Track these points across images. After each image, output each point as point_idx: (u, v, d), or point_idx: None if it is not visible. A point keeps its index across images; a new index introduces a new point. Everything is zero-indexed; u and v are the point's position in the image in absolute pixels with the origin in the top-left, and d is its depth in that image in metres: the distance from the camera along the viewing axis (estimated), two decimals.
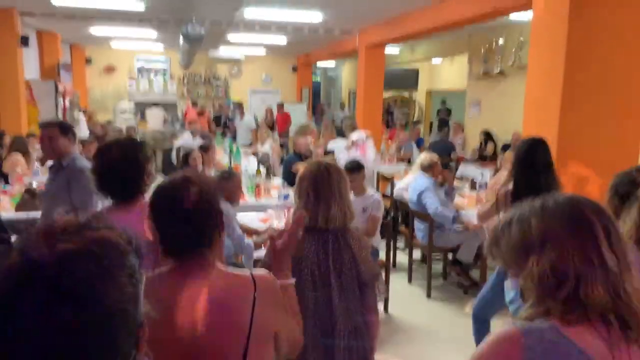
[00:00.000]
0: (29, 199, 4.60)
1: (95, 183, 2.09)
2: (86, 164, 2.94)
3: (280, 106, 12.72)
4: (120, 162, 2.07)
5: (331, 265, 2.04)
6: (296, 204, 2.17)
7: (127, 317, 0.73)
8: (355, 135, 7.34)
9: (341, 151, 7.14)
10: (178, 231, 1.38)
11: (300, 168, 2.22)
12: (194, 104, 13.27)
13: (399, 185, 5.67)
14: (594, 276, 1.02)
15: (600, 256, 1.03)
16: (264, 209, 4.60)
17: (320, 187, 2.08)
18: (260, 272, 1.46)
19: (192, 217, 1.39)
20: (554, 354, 0.99)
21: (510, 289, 1.12)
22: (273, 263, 1.61)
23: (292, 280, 1.63)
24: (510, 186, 3.20)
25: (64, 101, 9.48)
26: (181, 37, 8.26)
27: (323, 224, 2.06)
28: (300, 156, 6.22)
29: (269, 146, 8.21)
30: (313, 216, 2.05)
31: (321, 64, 15.72)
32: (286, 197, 4.64)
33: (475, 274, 5.01)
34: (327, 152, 6.16)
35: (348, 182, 2.20)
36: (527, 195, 2.54)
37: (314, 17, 8.10)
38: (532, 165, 3.13)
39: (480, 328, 3.32)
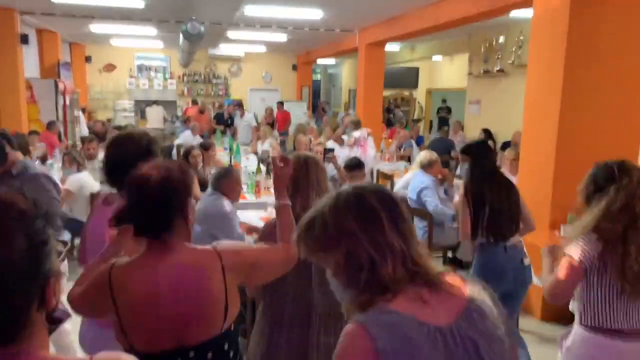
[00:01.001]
0: None
1: (105, 173, 2.06)
2: (39, 170, 2.91)
3: (281, 105, 12.73)
4: (134, 153, 1.99)
5: None
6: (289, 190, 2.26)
7: (17, 271, 0.80)
8: (357, 133, 7.35)
9: (340, 150, 7.15)
10: (142, 214, 1.51)
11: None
12: (194, 102, 13.27)
13: (399, 183, 5.68)
14: (384, 258, 1.13)
15: (386, 240, 1.14)
16: (264, 207, 4.61)
17: (299, 178, 2.18)
18: (222, 246, 1.64)
19: (152, 202, 1.50)
20: (396, 329, 1.08)
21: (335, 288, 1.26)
22: (274, 185, 1.90)
23: (288, 202, 1.87)
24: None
25: (64, 99, 9.47)
26: (181, 35, 8.26)
27: (302, 213, 2.08)
28: None
29: (269, 144, 8.21)
30: (292, 206, 2.10)
31: (321, 62, 15.70)
32: None
33: None
34: (327, 150, 6.16)
35: (326, 173, 2.32)
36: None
37: (314, 15, 8.09)
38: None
39: None
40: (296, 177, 2.17)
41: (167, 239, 1.53)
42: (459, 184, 5.92)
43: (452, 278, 1.19)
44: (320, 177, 2.24)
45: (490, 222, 3.14)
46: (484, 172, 3.27)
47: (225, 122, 11.71)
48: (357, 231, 1.15)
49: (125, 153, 2.00)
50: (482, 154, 3.35)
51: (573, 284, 2.07)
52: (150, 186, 1.50)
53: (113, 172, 2.03)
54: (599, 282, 2.05)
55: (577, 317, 2.15)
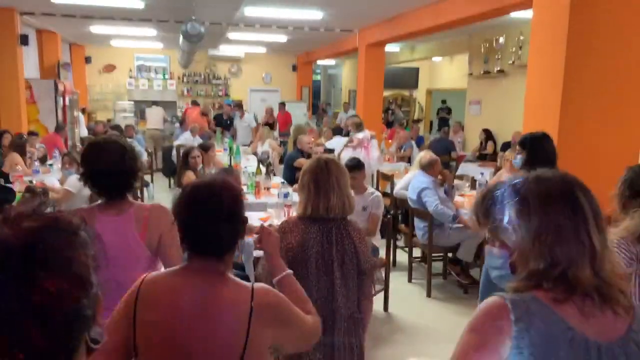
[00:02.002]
0: (29, 197, 4.60)
1: (85, 180, 2.04)
2: None
3: (282, 105, 12.72)
4: (114, 160, 1.99)
5: (334, 254, 2.20)
6: (299, 198, 2.34)
7: (87, 284, 0.77)
8: (361, 135, 7.34)
9: (341, 149, 7.15)
10: (207, 231, 1.39)
11: (304, 163, 2.41)
12: (194, 102, 13.27)
13: (399, 184, 5.67)
14: (584, 259, 1.08)
15: (589, 239, 1.08)
16: (264, 208, 4.60)
17: (320, 180, 2.24)
18: (261, 285, 1.44)
19: (224, 221, 1.40)
20: (541, 323, 1.06)
21: (497, 255, 1.14)
22: (266, 262, 1.71)
23: (289, 271, 1.67)
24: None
25: (63, 100, 9.47)
26: (181, 36, 8.26)
27: (324, 213, 2.22)
28: (302, 153, 6.31)
29: (268, 145, 8.21)
30: (314, 207, 2.23)
31: (321, 62, 15.70)
32: (286, 195, 4.63)
33: (475, 272, 5.01)
34: (326, 151, 6.17)
35: (347, 175, 2.35)
36: None
37: (314, 15, 8.09)
38: (546, 159, 3.14)
39: None
40: (317, 178, 2.25)
41: (215, 262, 1.41)
42: (458, 184, 5.93)
43: (627, 296, 1.13)
44: (341, 178, 2.28)
45: None
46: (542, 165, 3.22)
47: (224, 124, 11.65)
48: (562, 223, 1.09)
49: (106, 159, 1.99)
50: (539, 146, 3.27)
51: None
52: (222, 207, 1.40)
53: (93, 179, 2.03)
54: (637, 281, 2.08)
55: None
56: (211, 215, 1.38)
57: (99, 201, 2.07)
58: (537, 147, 3.24)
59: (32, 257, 0.71)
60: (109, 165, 1.98)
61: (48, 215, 0.79)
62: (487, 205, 1.20)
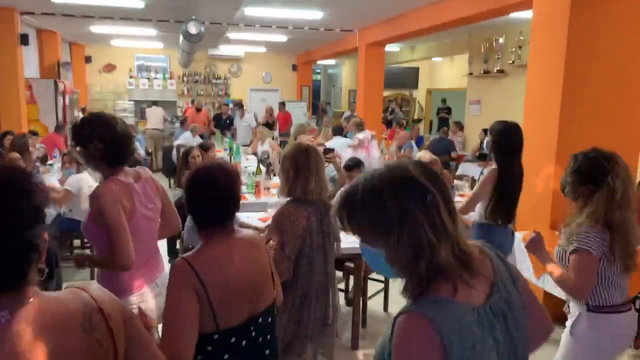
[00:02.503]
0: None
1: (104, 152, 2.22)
2: None
3: (282, 105, 12.71)
4: (122, 133, 2.27)
5: (324, 233, 2.55)
6: (280, 181, 2.58)
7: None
8: (361, 135, 7.33)
9: (342, 149, 7.13)
10: (214, 207, 1.74)
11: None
12: (194, 102, 13.25)
13: None
14: (441, 243, 1.08)
15: (443, 223, 1.09)
16: (264, 208, 4.60)
17: (300, 164, 2.48)
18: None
19: (225, 195, 1.76)
20: (452, 315, 1.06)
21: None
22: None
23: None
24: (490, 173, 3.46)
25: (64, 100, 9.47)
26: (181, 35, 8.26)
27: (302, 196, 2.48)
28: None
29: (268, 144, 8.20)
30: (292, 189, 2.49)
31: (321, 62, 15.71)
32: None
33: None
34: (326, 150, 6.14)
35: (324, 162, 2.65)
36: (512, 182, 2.99)
37: (314, 15, 8.09)
38: (512, 150, 3.44)
39: None
40: (297, 162, 2.47)
41: (229, 225, 1.78)
42: (458, 184, 5.93)
43: (478, 253, 1.18)
44: (320, 165, 2.54)
45: (509, 203, 3.46)
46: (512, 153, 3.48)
47: (224, 124, 11.59)
48: (417, 213, 1.08)
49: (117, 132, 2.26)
50: (506, 134, 3.48)
51: (595, 276, 2.18)
52: (222, 183, 1.74)
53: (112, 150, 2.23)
54: (606, 267, 2.19)
55: (580, 305, 2.25)
56: (227, 192, 1.76)
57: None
58: (503, 134, 3.46)
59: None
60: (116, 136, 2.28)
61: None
62: (347, 209, 1.17)
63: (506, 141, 3.44)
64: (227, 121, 11.66)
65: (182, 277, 1.61)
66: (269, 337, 1.82)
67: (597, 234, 2.15)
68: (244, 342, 1.70)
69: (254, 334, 1.74)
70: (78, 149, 2.27)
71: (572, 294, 2.24)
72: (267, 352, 1.81)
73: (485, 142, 3.66)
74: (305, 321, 2.46)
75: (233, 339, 1.68)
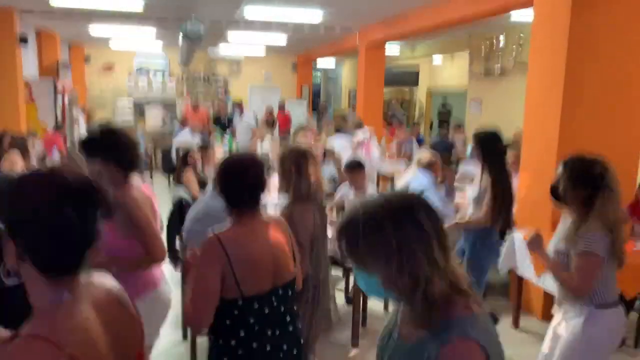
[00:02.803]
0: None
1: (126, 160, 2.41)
2: None
3: (282, 105, 12.70)
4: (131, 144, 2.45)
5: (323, 226, 2.88)
6: (281, 183, 2.76)
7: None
8: (360, 134, 7.33)
9: (343, 149, 7.12)
10: (253, 191, 2.03)
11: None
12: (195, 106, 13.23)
13: (400, 183, 5.65)
14: (435, 275, 1.14)
15: (434, 257, 1.14)
16: (263, 208, 4.58)
17: (301, 165, 2.69)
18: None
19: (257, 184, 2.04)
20: (488, 330, 1.17)
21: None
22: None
23: None
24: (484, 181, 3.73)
25: (62, 100, 9.46)
26: (180, 36, 8.24)
27: (306, 194, 2.70)
28: None
29: (268, 144, 8.20)
30: (297, 188, 2.68)
31: (321, 64, 15.69)
32: None
33: None
34: (327, 151, 6.14)
35: (319, 165, 2.92)
36: (504, 185, 3.40)
37: (314, 15, 8.08)
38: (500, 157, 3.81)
39: None
40: (298, 162, 2.68)
41: (257, 207, 2.05)
42: (459, 184, 5.91)
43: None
44: (318, 166, 2.79)
45: (508, 209, 3.80)
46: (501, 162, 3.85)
47: (223, 123, 11.55)
48: (415, 246, 1.13)
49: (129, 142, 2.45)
50: (491, 144, 3.89)
51: (597, 276, 2.28)
52: (252, 171, 2.01)
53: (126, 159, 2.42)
54: (608, 266, 2.31)
55: (586, 303, 2.32)
56: (256, 179, 2.02)
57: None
58: (489, 144, 3.82)
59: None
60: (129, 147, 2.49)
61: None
62: (347, 237, 1.21)
63: (493, 149, 3.75)
64: (227, 120, 11.63)
65: (212, 252, 1.89)
66: (289, 307, 2.07)
67: (605, 237, 2.24)
68: (266, 310, 1.96)
69: (275, 303, 1.98)
70: (91, 160, 2.37)
71: (575, 293, 2.31)
72: (287, 319, 2.06)
73: (469, 149, 3.87)
74: (319, 311, 2.79)
75: (256, 306, 1.93)
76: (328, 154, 6.01)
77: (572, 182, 2.32)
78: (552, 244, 2.47)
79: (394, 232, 1.13)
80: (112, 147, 2.35)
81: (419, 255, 1.13)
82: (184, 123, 10.36)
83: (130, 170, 2.42)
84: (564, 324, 2.40)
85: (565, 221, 2.44)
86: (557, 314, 2.47)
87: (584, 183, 2.29)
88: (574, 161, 2.36)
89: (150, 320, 1.96)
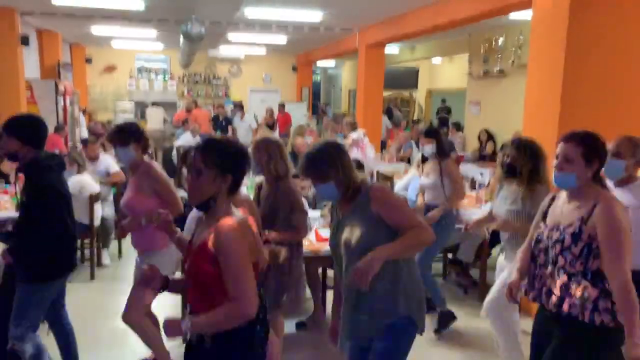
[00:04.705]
0: None
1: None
2: None
3: (282, 106, 12.71)
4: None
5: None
6: (263, 164, 3.09)
7: None
8: (355, 135, 7.35)
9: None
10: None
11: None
12: (195, 103, 13.21)
13: (399, 184, 5.67)
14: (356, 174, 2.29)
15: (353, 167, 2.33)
16: None
17: (279, 150, 3.16)
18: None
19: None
20: None
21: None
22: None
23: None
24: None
25: (64, 100, 9.47)
26: (181, 36, 8.26)
27: (285, 172, 3.15)
28: (296, 156, 6.22)
29: None
30: (282, 167, 3.11)
31: (321, 63, 15.72)
32: None
33: (475, 273, 5.02)
34: None
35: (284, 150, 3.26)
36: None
37: (314, 15, 8.10)
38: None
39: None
40: (274, 148, 3.09)
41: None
42: None
43: None
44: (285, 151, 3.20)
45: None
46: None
47: (220, 125, 11.46)
48: (346, 161, 2.19)
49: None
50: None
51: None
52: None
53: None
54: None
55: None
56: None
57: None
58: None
59: None
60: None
61: None
62: (313, 166, 2.25)
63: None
64: (224, 122, 11.59)
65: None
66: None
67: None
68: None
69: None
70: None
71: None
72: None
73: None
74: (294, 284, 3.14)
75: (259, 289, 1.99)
76: None
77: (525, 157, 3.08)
78: (500, 207, 3.20)
79: (340, 156, 2.18)
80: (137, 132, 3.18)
81: (347, 165, 2.17)
82: (184, 124, 10.36)
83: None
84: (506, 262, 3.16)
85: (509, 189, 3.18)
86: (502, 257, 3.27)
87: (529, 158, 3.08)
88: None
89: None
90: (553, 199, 2.33)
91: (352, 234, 2.13)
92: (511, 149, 3.13)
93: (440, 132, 4.39)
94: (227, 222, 1.78)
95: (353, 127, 7.54)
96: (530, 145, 3.13)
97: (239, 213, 1.89)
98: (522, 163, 3.06)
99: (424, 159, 4.32)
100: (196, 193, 1.85)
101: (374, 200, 2.10)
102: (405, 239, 2.06)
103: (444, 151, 4.19)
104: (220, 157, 1.83)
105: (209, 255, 1.78)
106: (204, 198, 1.84)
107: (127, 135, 3.12)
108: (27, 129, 2.77)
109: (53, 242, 2.73)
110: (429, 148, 4.13)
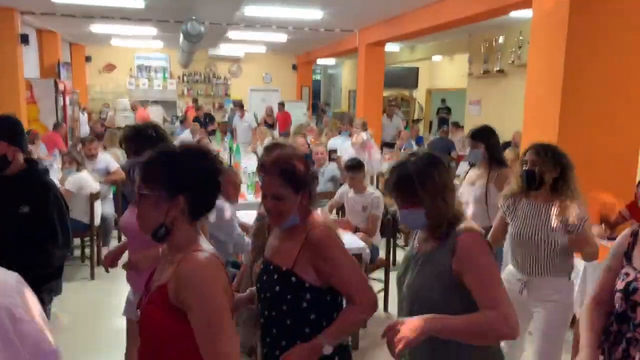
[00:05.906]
0: None
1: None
2: None
3: (281, 105, 12.71)
4: None
5: None
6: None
7: None
8: (364, 135, 7.34)
9: (344, 150, 7.13)
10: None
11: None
12: (195, 101, 13.22)
13: None
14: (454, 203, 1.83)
15: (454, 192, 1.91)
16: None
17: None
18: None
19: None
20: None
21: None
22: None
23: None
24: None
25: (64, 100, 9.47)
26: (181, 35, 8.26)
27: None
28: None
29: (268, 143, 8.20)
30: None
31: (321, 62, 15.70)
32: None
33: None
34: (331, 151, 6.14)
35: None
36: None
37: (314, 15, 8.09)
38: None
39: None
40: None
41: None
42: (457, 184, 5.92)
43: None
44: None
45: None
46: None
47: (204, 124, 11.44)
48: (449, 184, 1.76)
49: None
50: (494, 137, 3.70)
51: None
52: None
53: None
54: None
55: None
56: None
57: None
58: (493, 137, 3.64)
59: None
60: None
61: None
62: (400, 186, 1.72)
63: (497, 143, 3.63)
64: (207, 120, 11.63)
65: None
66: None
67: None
68: None
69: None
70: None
71: (594, 257, 2.59)
72: None
73: (469, 150, 3.49)
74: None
75: None
76: (331, 154, 6.03)
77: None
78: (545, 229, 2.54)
79: (440, 176, 1.67)
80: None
81: (451, 190, 1.70)
82: (184, 123, 10.36)
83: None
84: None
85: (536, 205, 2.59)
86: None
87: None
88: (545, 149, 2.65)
89: None
90: (634, 235, 1.84)
91: (418, 282, 1.71)
92: (531, 153, 2.60)
93: (492, 132, 3.59)
94: (192, 258, 1.41)
95: (364, 127, 7.53)
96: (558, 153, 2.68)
97: (206, 244, 1.49)
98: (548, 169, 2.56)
99: (471, 165, 3.66)
100: (142, 222, 1.47)
101: (458, 259, 1.60)
102: (474, 321, 1.53)
103: (496, 158, 3.48)
104: (165, 174, 1.43)
105: (167, 304, 1.40)
106: (154, 227, 1.43)
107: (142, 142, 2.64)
108: (13, 128, 2.44)
109: None
110: (476, 153, 3.48)
